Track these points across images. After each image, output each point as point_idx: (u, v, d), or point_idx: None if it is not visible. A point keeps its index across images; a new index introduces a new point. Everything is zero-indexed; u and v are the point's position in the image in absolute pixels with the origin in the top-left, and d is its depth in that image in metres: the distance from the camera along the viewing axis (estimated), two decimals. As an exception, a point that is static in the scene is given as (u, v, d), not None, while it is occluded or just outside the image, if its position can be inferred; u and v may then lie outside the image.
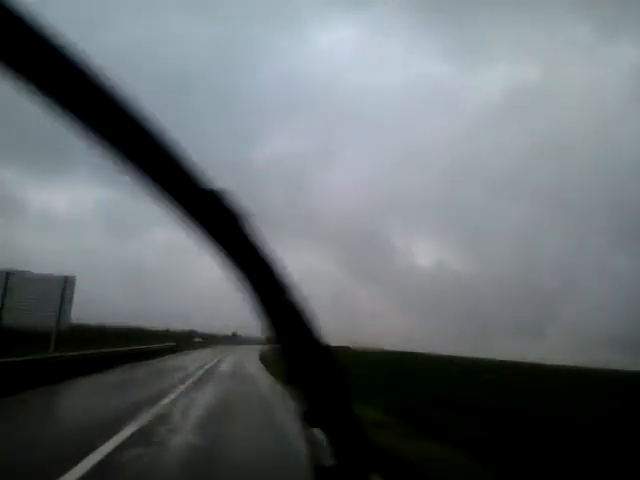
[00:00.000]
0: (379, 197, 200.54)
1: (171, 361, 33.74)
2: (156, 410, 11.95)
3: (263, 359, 41.62)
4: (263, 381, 23.48)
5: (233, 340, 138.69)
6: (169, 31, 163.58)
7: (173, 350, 47.47)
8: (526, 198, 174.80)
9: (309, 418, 0.87)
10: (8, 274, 25.89)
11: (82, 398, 14.70)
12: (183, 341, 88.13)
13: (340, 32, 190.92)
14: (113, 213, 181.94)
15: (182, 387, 17.61)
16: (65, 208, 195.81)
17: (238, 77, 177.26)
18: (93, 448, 7.51)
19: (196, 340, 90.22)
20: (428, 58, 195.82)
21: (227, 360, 40.99)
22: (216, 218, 0.83)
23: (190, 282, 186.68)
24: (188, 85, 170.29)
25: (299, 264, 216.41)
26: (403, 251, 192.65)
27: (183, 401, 14.00)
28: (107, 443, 7.96)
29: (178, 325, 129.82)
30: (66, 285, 25.94)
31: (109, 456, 7.26)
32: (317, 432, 0.88)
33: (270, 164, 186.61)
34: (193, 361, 34.17)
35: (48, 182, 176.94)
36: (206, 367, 29.71)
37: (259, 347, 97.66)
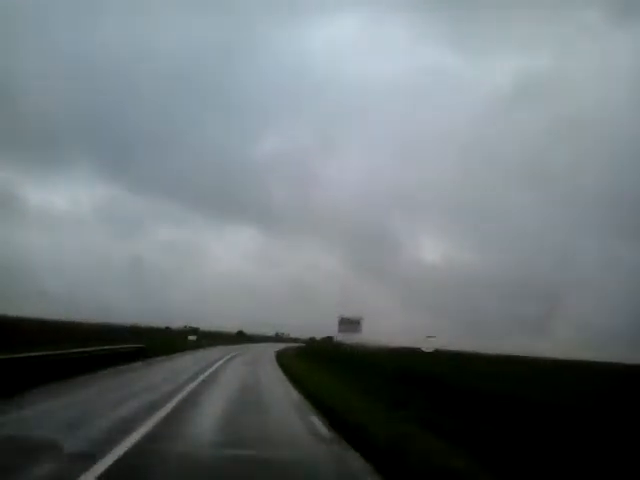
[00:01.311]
0: (384, 190, 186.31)
1: (68, 400, 13.73)
2: None
3: (295, 375, 22.49)
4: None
5: (239, 338, 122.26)
6: (162, 22, 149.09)
7: (134, 356, 27.74)
8: (536, 189, 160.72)
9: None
10: None
11: None
12: (180, 338, 68.83)
13: (342, 20, 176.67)
14: (114, 210, 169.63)
15: None
16: (65, 206, 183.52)
17: (236, 70, 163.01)
18: None
19: (190, 338, 70.30)
20: (433, 46, 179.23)
21: (223, 380, 21.36)
22: None
23: (194, 279, 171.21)
24: (184, 78, 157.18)
25: (305, 261, 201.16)
26: (410, 246, 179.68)
27: None
28: None
29: (181, 323, 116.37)
30: None
31: None
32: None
33: (271, 158, 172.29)
34: (135, 394, 14.39)
35: (47, 179, 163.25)
36: (140, 430, 9.70)
37: (271, 346, 76.85)
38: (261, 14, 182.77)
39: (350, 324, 49.81)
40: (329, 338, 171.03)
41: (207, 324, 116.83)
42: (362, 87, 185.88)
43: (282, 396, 17.27)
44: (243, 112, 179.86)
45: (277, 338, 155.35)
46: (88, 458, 7.15)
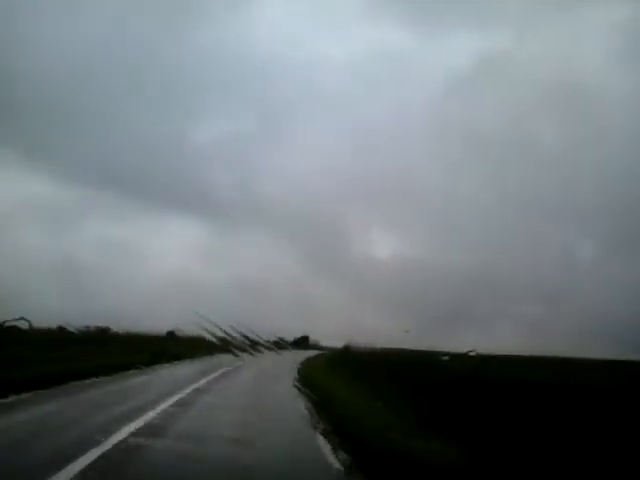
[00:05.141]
0: (337, 181, 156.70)
1: None
2: None
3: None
4: None
5: (165, 343, 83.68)
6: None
7: None
8: (494, 181, 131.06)
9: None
10: None
11: None
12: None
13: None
14: (37, 204, 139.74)
15: None
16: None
17: (174, 45, 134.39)
18: None
19: None
20: (388, 26, 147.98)
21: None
22: None
23: (129, 277, 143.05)
24: (116, 52, 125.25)
25: (256, 256, 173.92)
26: (367, 241, 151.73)
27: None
28: None
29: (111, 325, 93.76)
30: None
31: None
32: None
33: (214, 143, 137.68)
34: None
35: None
36: None
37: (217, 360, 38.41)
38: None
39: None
40: (304, 339, 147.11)
41: (137, 324, 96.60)
42: (313, 70, 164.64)
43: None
44: (184, 92, 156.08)
45: (226, 341, 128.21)
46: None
